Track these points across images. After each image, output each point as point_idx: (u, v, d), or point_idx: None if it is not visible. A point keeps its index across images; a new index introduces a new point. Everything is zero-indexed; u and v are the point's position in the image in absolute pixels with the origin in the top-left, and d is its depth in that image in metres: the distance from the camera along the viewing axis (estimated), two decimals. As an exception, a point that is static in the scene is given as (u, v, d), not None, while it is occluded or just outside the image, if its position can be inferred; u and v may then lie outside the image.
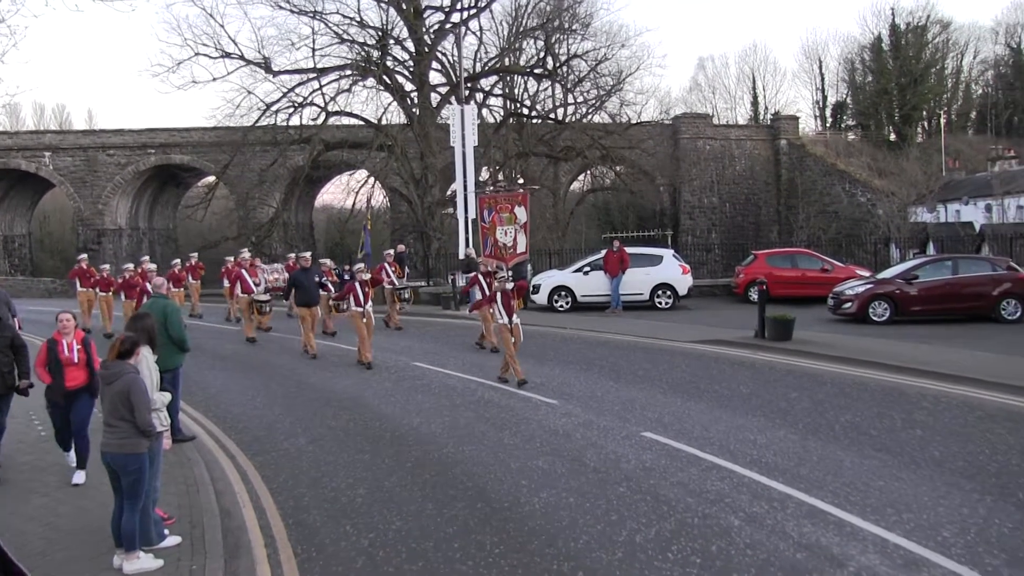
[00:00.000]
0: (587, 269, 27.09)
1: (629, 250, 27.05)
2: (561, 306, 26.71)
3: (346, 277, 22.73)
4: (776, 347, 18.22)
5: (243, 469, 10.86)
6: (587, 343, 19.92)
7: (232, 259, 26.67)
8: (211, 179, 46.63)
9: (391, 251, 26.68)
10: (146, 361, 7.99)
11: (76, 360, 9.98)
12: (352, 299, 18.17)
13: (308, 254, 21.95)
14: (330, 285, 22.41)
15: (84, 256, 28.17)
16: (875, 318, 22.22)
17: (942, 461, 9.99)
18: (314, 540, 8.32)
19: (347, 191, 43.87)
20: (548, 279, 27.46)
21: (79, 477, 10.01)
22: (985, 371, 14.78)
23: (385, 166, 39.71)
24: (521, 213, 18.70)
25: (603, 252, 27.24)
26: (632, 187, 48.68)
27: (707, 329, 21.44)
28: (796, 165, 56.91)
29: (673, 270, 27.26)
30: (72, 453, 10.29)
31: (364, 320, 18.00)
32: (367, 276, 18.84)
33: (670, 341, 19.78)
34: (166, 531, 8.10)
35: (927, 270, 23.05)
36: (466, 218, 28.58)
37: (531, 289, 27.92)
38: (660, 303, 26.96)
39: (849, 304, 22.73)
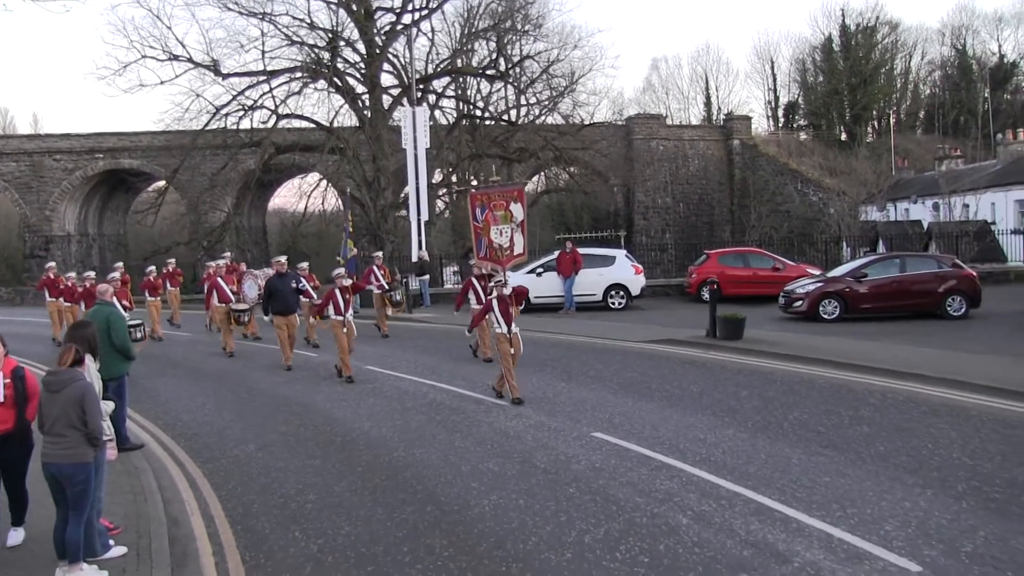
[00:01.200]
0: (540, 271, 27.19)
1: (582, 251, 27.21)
2: (515, 308, 26.71)
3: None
4: (727, 346, 18.39)
5: (192, 477, 10.75)
6: (539, 344, 19.91)
7: (213, 264, 24.77)
8: (161, 184, 46.01)
9: (379, 253, 25.49)
10: (88, 370, 7.90)
11: (2, 399, 7.96)
12: (332, 307, 16.95)
13: (283, 258, 20.16)
14: (311, 291, 21.06)
15: (52, 264, 26.31)
16: (825, 316, 22.51)
17: (887, 456, 10.16)
18: (263, 547, 8.26)
19: (299, 194, 43.58)
20: (501, 281, 27.51)
21: (15, 537, 8.18)
22: (930, 367, 15.03)
23: (337, 169, 39.51)
24: (517, 210, 17.08)
25: (556, 253, 27.35)
26: (586, 188, 48.84)
27: (659, 329, 21.59)
28: (749, 165, 57.45)
29: (626, 270, 27.42)
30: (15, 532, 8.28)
31: (345, 330, 16.73)
32: (348, 282, 17.55)
33: (622, 341, 19.90)
34: (111, 541, 7.98)
35: (876, 268, 23.42)
36: (419, 220, 28.60)
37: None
38: (613, 303, 27.10)
39: (800, 303, 23.01)
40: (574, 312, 26.07)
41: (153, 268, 26.64)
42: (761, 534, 7.91)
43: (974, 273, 23.39)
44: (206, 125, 37.85)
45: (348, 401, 14.71)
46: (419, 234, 29.13)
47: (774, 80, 77.40)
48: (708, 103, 77.59)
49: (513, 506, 8.95)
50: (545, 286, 26.92)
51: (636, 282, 27.61)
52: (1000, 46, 75.11)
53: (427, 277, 29.96)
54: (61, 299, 23.79)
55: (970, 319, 21.95)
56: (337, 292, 16.93)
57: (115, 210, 57.50)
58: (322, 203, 42.50)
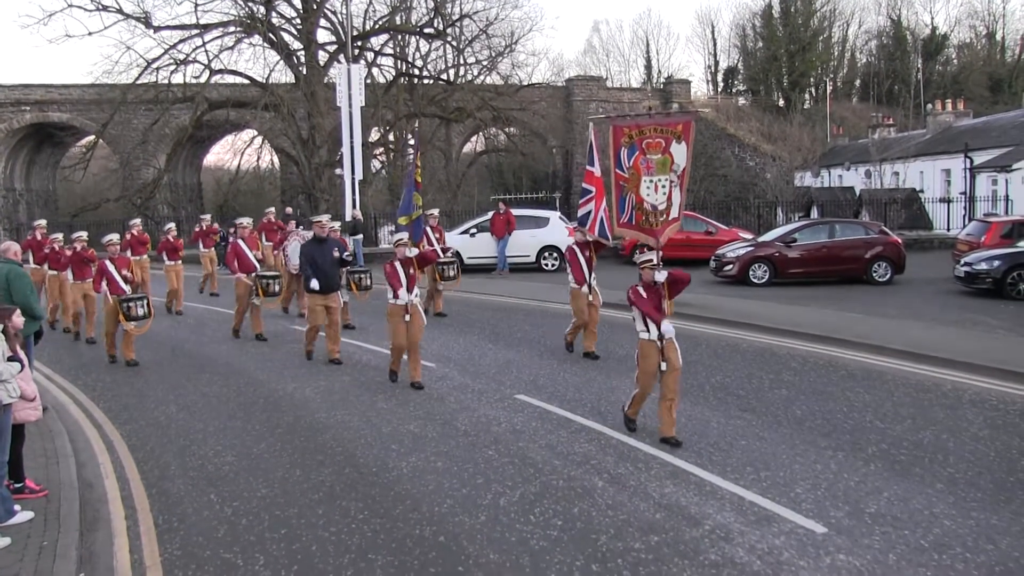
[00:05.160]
0: (474, 231, 27.20)
1: (516, 212, 27.24)
2: (448, 268, 26.68)
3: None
4: (655, 309, 18.48)
5: (109, 439, 10.58)
6: (469, 305, 19.94)
7: (237, 222, 18.49)
8: (91, 138, 44.85)
9: (435, 211, 20.28)
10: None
11: None
12: (392, 287, 12.49)
13: (325, 218, 15.34)
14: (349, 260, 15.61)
15: (42, 223, 21.91)
16: (755, 280, 22.79)
17: (803, 420, 10.36)
18: (176, 510, 8.18)
19: (234, 152, 42.91)
20: (435, 241, 27.46)
21: None
22: (851, 331, 15.35)
23: (272, 126, 38.93)
24: (680, 154, 10.43)
25: (490, 214, 27.35)
26: (524, 149, 48.76)
27: (590, 291, 21.64)
28: (687, 128, 57.63)
29: (559, 232, 27.43)
30: None
31: (408, 317, 12.38)
32: (413, 252, 12.90)
33: (552, 303, 19.94)
34: (17, 507, 7.80)
35: (805, 234, 23.73)
36: (352, 179, 28.30)
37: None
38: (547, 265, 27.18)
39: (730, 267, 23.25)
40: (507, 273, 26.11)
41: (172, 226, 21.52)
42: (675, 497, 8.03)
43: (899, 240, 23.83)
44: (137, 79, 36.96)
45: (273, 362, 14.59)
46: (353, 193, 28.81)
47: (714, 45, 77.87)
48: (648, 66, 77.85)
49: (431, 468, 8.97)
50: (478, 247, 26.91)
51: (569, 244, 27.65)
52: (932, 18, 77.14)
53: (360, 236, 29.65)
54: (46, 265, 19.05)
55: (894, 285, 22.38)
56: (399, 265, 12.52)
57: (43, 165, 55.77)
58: (257, 160, 42.01)
